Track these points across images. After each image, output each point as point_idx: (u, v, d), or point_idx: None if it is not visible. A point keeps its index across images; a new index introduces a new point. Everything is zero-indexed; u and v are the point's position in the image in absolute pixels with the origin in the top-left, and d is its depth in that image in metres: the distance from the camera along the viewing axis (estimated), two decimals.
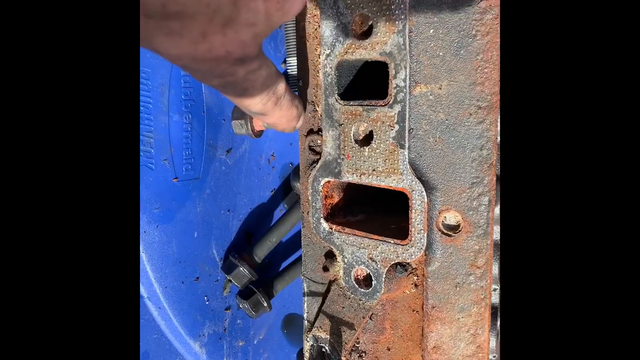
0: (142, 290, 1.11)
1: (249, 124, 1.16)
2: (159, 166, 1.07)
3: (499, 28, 0.70)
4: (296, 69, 0.93)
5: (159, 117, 1.05)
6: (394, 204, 1.04)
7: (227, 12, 0.52)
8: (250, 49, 0.57)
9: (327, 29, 0.83)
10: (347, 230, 0.88)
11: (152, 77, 1.03)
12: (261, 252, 1.32)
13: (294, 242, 1.48)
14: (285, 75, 1.39)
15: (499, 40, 0.70)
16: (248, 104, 0.68)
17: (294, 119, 0.80)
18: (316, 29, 0.86)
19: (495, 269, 0.84)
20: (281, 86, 0.73)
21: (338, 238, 0.89)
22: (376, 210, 1.00)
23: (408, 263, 0.85)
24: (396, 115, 0.78)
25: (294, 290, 1.45)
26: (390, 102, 0.78)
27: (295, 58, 0.92)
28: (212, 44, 0.54)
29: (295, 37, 1.00)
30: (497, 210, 0.79)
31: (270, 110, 0.72)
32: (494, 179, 0.74)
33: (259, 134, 1.22)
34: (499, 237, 0.81)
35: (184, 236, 1.18)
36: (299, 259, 1.39)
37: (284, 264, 1.49)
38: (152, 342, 1.15)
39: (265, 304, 1.32)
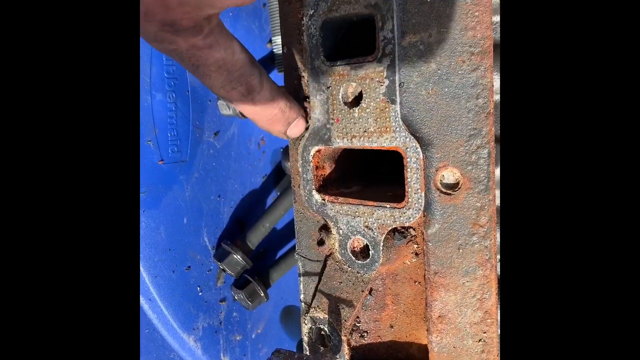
0: None
1: None
2: (143, 147, 1.03)
3: None
4: (281, 47, 0.89)
5: (141, 95, 1.00)
6: (390, 176, 1.00)
7: None
8: (177, 15, 0.54)
9: None
10: (340, 199, 0.84)
11: None
12: (255, 238, 1.27)
13: (290, 229, 1.43)
14: (272, 55, 1.36)
15: None
16: (207, 84, 0.65)
17: (277, 121, 0.77)
18: None
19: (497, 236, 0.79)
20: (255, 79, 0.69)
21: (331, 209, 0.85)
22: (370, 183, 0.96)
23: (407, 229, 0.80)
24: (385, 70, 0.74)
25: (291, 281, 1.39)
26: (379, 56, 0.74)
27: (280, 37, 0.88)
28: None
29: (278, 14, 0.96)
30: (498, 172, 0.74)
31: (238, 101, 0.70)
32: (493, 129, 0.70)
33: (245, 115, 1.17)
34: (499, 203, 0.76)
35: (172, 222, 1.13)
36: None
37: (280, 253, 1.44)
38: (144, 337, 1.09)
39: (262, 294, 1.26)
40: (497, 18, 0.71)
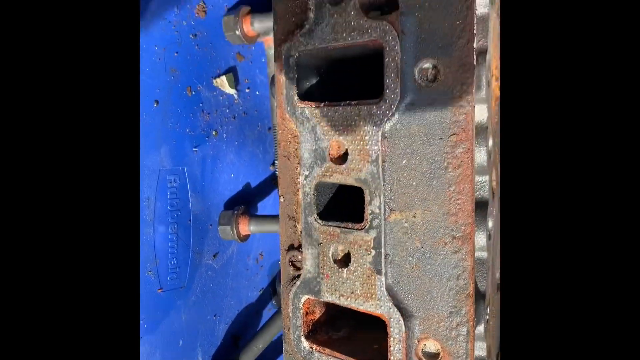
0: None
1: (234, 230, 1.16)
2: (144, 278, 1.07)
3: (470, 161, 0.71)
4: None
5: (144, 229, 1.06)
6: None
7: None
8: None
9: (306, 151, 0.85)
10: (327, 351, 0.86)
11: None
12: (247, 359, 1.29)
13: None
14: (274, 176, 1.41)
15: (471, 172, 0.71)
16: None
17: None
18: (296, 149, 0.88)
19: None
20: None
21: (319, 358, 0.87)
22: (360, 322, 0.98)
23: None
24: (372, 240, 0.78)
25: None
26: (367, 227, 0.78)
27: None
28: None
29: None
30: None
31: None
32: (472, 309, 0.73)
33: (245, 238, 1.22)
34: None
35: (168, 346, 1.16)
36: None
37: None
38: None
39: None
40: (485, 178, 0.75)
